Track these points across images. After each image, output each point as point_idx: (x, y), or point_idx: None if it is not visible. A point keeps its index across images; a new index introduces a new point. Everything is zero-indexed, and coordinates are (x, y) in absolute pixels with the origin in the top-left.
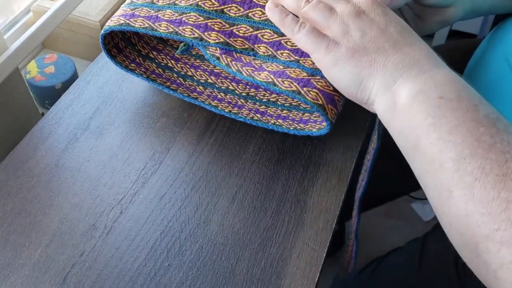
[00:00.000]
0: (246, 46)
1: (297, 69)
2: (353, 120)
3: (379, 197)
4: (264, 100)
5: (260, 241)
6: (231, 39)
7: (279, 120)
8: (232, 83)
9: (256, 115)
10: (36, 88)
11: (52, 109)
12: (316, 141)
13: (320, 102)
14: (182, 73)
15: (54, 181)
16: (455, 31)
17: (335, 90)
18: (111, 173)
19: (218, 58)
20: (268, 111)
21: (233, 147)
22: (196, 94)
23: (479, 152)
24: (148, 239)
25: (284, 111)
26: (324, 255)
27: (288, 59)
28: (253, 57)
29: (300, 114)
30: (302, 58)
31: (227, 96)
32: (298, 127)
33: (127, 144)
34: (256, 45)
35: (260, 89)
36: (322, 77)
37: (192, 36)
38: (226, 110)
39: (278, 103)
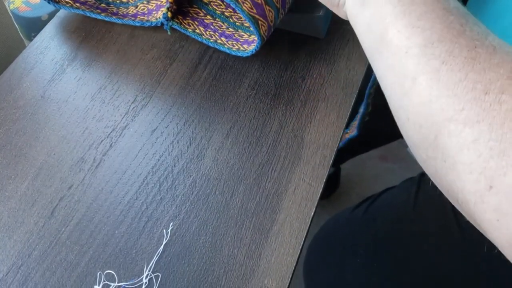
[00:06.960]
0: None
1: None
2: (355, 55)
3: (376, 137)
4: (218, 12)
5: (256, 176)
6: None
7: (222, 38)
8: None
9: (199, 27)
10: (21, 19)
11: (37, 39)
12: (316, 75)
13: (254, 11)
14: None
15: (40, 113)
16: None
17: (265, 3)
18: (100, 105)
19: None
20: (214, 25)
21: (227, 81)
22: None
23: (448, 37)
24: (139, 173)
25: (230, 29)
26: (321, 190)
27: None
28: None
29: (246, 36)
30: None
31: None
32: (242, 48)
33: (116, 76)
34: None
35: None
36: None
37: None
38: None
39: (230, 20)
